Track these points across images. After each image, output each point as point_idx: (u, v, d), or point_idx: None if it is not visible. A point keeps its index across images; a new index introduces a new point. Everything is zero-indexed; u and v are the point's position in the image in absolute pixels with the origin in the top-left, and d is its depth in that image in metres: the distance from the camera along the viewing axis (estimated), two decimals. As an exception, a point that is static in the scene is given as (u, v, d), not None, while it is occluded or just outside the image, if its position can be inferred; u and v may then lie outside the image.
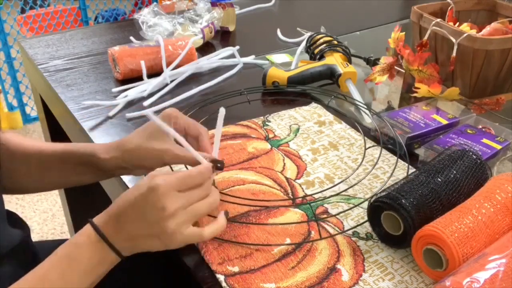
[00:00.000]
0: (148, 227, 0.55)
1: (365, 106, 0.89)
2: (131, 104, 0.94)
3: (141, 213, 0.55)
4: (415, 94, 0.91)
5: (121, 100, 0.92)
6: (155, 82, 0.98)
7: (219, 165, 0.61)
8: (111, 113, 0.89)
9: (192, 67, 1.04)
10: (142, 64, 0.99)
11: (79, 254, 0.55)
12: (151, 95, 0.95)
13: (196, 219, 0.58)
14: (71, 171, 0.73)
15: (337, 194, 0.70)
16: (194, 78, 1.04)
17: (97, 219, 0.57)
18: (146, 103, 0.93)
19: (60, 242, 0.61)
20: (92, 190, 1.25)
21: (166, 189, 0.55)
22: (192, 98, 0.96)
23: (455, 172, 0.62)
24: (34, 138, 0.74)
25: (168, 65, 1.01)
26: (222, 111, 0.60)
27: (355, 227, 0.64)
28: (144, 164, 0.67)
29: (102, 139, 0.83)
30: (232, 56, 1.11)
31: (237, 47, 1.12)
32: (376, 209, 0.61)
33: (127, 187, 0.72)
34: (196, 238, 0.57)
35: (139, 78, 1.00)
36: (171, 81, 1.00)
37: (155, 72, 1.01)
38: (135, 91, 0.96)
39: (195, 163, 0.62)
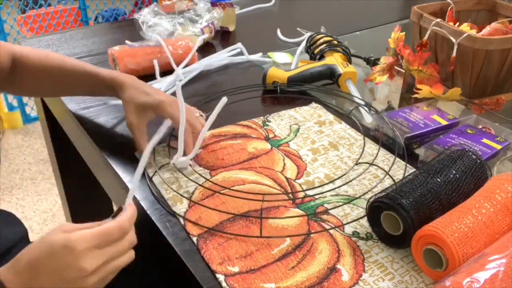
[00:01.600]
0: (65, 284, 0.52)
1: (366, 106, 0.89)
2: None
3: (57, 272, 0.52)
4: (416, 95, 0.91)
5: None
6: (168, 80, 0.99)
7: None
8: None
9: (201, 65, 1.05)
10: (155, 63, 1.00)
11: None
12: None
13: (115, 273, 0.55)
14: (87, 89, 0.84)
15: (337, 195, 0.70)
16: (203, 75, 1.05)
17: (3, 273, 0.52)
18: None
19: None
20: (92, 191, 1.25)
21: (83, 248, 0.52)
22: (202, 94, 0.97)
23: (454, 172, 0.62)
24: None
25: (168, 65, 1.01)
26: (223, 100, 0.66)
27: (353, 221, 0.64)
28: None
29: (102, 139, 0.83)
30: (238, 53, 1.13)
31: (239, 43, 1.12)
32: (376, 209, 0.61)
33: (128, 188, 0.72)
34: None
35: (140, 78, 1.00)
36: (180, 80, 1.01)
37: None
38: None
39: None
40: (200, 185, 0.71)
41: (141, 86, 0.78)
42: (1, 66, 0.80)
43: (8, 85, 0.85)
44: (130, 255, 0.56)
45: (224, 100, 0.66)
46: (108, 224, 0.54)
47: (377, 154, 0.77)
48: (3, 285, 0.51)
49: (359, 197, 0.69)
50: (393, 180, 0.71)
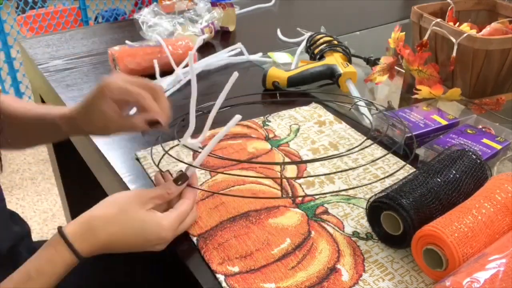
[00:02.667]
0: (147, 247, 0.59)
1: (366, 105, 0.89)
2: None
3: (143, 238, 0.59)
4: (415, 96, 0.91)
5: None
6: (168, 80, 0.99)
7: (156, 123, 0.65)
8: (131, 112, 0.89)
9: (201, 65, 1.05)
10: (155, 63, 1.00)
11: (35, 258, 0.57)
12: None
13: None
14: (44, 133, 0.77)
15: (337, 194, 0.70)
16: (203, 75, 1.05)
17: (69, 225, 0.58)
18: None
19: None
20: (92, 191, 1.25)
21: (172, 234, 0.59)
22: (203, 94, 0.97)
23: (454, 172, 0.62)
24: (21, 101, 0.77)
25: (168, 65, 1.01)
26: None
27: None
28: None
29: (102, 139, 0.83)
30: (238, 53, 1.12)
31: (239, 43, 1.12)
32: (376, 209, 0.61)
33: (128, 188, 0.72)
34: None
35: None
36: (181, 79, 1.01)
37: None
38: None
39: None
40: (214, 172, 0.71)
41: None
42: None
43: None
44: (194, 217, 0.64)
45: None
46: (186, 206, 0.61)
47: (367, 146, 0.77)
48: (78, 254, 0.56)
49: (359, 197, 0.69)
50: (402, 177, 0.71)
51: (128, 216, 0.58)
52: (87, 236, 0.57)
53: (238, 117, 0.61)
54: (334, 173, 0.74)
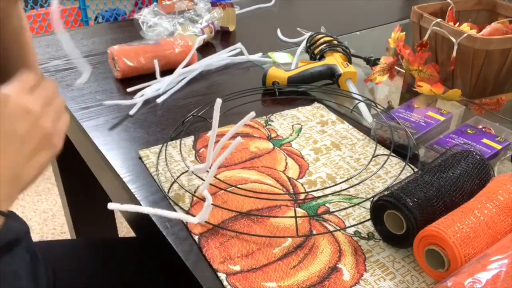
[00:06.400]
0: (27, 141, 0.48)
1: (369, 105, 0.89)
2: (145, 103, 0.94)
3: (9, 133, 0.47)
4: (417, 89, 0.91)
5: (138, 99, 0.93)
6: (168, 80, 0.99)
7: None
8: (131, 112, 0.90)
9: (202, 65, 1.05)
10: (155, 63, 1.00)
11: None
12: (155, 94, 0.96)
13: (63, 112, 0.57)
14: None
15: (339, 194, 0.70)
16: (203, 75, 1.05)
17: None
18: (159, 100, 0.94)
19: (60, 242, 0.59)
20: (92, 190, 1.25)
21: (17, 93, 0.49)
22: (203, 94, 0.97)
23: (458, 172, 0.62)
24: None
25: (168, 64, 1.01)
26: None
27: (356, 225, 0.64)
28: None
29: (102, 139, 0.83)
30: (238, 53, 1.13)
31: (239, 43, 1.12)
32: (379, 207, 0.61)
33: (128, 188, 0.72)
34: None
35: (139, 77, 1.00)
36: (182, 79, 1.01)
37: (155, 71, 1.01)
38: (150, 89, 0.96)
39: None
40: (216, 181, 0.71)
41: None
42: None
43: None
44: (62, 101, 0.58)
45: (252, 114, 0.62)
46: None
47: (373, 150, 0.77)
48: None
49: (360, 197, 0.70)
50: (412, 170, 0.71)
51: None
52: None
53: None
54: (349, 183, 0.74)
